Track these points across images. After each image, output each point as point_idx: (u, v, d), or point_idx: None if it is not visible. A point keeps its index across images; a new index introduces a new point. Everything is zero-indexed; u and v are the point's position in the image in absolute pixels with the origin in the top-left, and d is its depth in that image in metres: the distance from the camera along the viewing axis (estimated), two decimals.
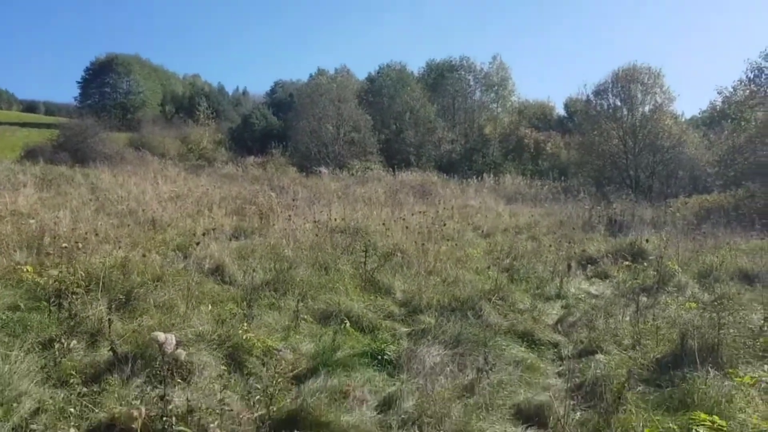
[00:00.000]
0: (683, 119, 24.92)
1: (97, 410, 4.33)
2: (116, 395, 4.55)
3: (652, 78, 23.13)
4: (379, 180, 24.82)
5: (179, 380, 4.87)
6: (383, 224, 12.03)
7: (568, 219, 15.53)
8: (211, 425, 2.36)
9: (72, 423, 4.15)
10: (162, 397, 3.05)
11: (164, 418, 3.06)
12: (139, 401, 4.19)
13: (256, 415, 4.23)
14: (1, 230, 9.05)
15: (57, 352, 5.08)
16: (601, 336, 6.79)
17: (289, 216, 12.05)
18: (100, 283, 6.73)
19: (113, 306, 6.03)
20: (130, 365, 4.96)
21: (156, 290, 6.99)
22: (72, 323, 5.69)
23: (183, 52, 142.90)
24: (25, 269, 7.04)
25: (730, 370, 5.40)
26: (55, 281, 6.43)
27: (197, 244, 9.19)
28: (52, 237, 8.85)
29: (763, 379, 5.34)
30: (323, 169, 26.93)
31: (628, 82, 22.82)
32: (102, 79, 52.79)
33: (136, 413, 2.28)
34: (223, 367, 5.32)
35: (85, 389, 4.62)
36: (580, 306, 8.37)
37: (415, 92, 36.94)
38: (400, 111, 36.47)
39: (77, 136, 29.14)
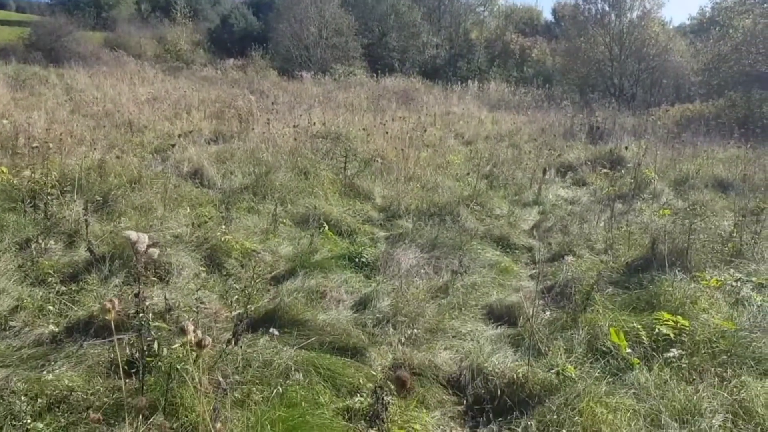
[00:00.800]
0: (671, 26, 24.49)
1: (75, 308, 4.39)
2: (95, 294, 4.61)
3: None
4: (361, 85, 24.33)
5: (157, 280, 4.93)
6: (364, 130, 11.91)
7: (550, 127, 15.48)
8: (186, 322, 2.40)
9: (51, 320, 4.22)
10: (137, 295, 3.08)
11: (140, 315, 3.11)
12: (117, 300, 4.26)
13: (234, 314, 4.31)
14: None
15: (34, 252, 5.09)
16: (575, 241, 6.93)
17: (268, 120, 11.87)
18: (76, 185, 6.67)
19: (90, 208, 6.01)
20: (108, 265, 5.00)
21: (133, 192, 6.96)
22: (48, 224, 5.68)
23: None
24: None
25: (698, 274, 5.56)
26: (29, 182, 6.36)
27: (173, 146, 9.07)
28: (26, 138, 8.68)
29: (728, 282, 5.52)
30: (305, 74, 26.26)
31: None
32: None
33: (109, 305, 2.31)
34: (201, 268, 5.39)
35: (63, 288, 4.67)
36: (557, 212, 8.50)
37: None
38: (384, 14, 35.29)
39: (50, 35, 27.96)
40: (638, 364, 4.02)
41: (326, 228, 6.80)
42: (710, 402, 3.62)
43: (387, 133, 11.57)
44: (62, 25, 28.87)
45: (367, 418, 3.28)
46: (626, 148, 11.66)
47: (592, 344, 4.30)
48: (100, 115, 12.26)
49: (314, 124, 12.00)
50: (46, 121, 10.19)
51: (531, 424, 3.37)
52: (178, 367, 3.14)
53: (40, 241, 5.29)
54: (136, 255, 2.92)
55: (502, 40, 35.11)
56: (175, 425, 3.13)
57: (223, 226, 6.06)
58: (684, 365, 4.05)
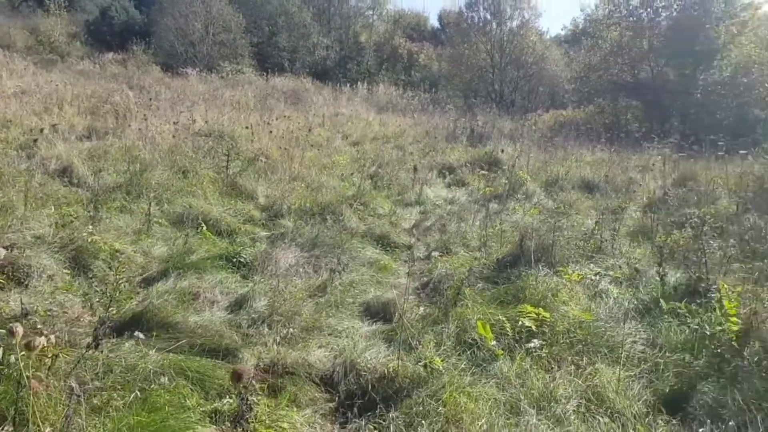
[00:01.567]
0: (548, 36, 25.94)
1: None
2: None
3: None
4: (250, 84, 23.88)
5: (14, 284, 4.62)
6: (248, 128, 11.72)
7: (435, 129, 15.92)
8: (14, 324, 2.26)
9: None
10: None
11: None
12: None
13: (97, 318, 4.11)
14: None
15: None
16: (452, 239, 7.18)
17: (145, 116, 11.40)
18: None
19: None
20: None
21: None
22: None
23: None
24: None
25: (561, 269, 5.92)
26: None
27: (35, 141, 8.51)
28: None
29: (588, 276, 5.92)
30: (190, 70, 25.41)
31: None
32: None
33: None
34: (65, 271, 5.09)
35: None
36: (437, 211, 8.76)
37: None
38: (273, 13, 34.82)
39: None
40: (502, 355, 4.22)
41: (204, 228, 6.63)
42: (566, 389, 3.86)
43: (272, 132, 11.44)
44: None
45: (233, 419, 3.24)
46: (502, 151, 12.20)
47: (461, 337, 4.47)
48: None
49: (195, 121, 11.66)
50: None
51: (398, 417, 3.45)
52: (27, 374, 2.95)
53: None
54: None
55: (390, 44, 35.66)
56: None
57: (91, 226, 5.76)
58: (544, 355, 4.31)
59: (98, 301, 4.37)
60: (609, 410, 3.78)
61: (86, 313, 4.27)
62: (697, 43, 17.24)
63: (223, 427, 3.26)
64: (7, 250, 3.78)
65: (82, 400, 2.97)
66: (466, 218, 8.12)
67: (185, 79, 22.96)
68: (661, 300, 5.24)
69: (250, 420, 3.18)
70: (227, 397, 3.57)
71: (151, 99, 14.36)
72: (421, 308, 5.09)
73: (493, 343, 4.31)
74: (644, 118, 18.17)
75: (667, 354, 4.44)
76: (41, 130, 9.25)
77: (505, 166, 11.21)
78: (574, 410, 3.70)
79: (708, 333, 4.44)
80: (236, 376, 3.51)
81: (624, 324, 4.75)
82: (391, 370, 3.89)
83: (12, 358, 3.11)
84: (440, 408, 3.44)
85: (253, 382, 3.49)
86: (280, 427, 3.36)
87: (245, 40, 31.15)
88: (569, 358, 4.31)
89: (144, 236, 6.21)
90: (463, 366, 4.00)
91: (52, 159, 8.30)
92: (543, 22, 67.75)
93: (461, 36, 23.94)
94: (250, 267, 5.84)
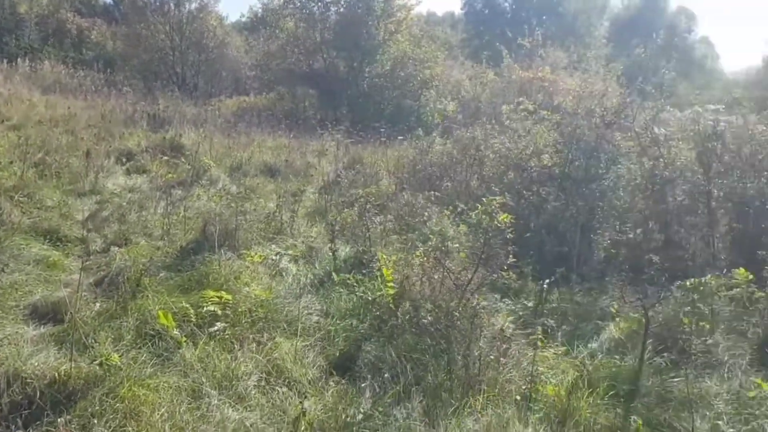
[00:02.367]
0: (228, 22, 25.95)
1: None
2: None
3: None
4: None
5: None
6: None
7: (111, 113, 14.83)
8: None
9: None
10: None
11: None
12: None
13: None
14: None
15: None
16: (132, 228, 6.89)
17: None
18: None
19: None
20: None
21: None
22: None
23: None
24: None
25: (244, 251, 6.13)
26: None
27: None
28: None
29: (270, 256, 6.23)
30: None
31: None
32: None
33: None
34: None
35: None
36: (115, 201, 8.25)
37: None
38: None
39: None
40: (185, 342, 4.25)
41: None
42: (247, 366, 4.06)
43: None
44: None
45: None
46: (183, 136, 11.99)
47: (141, 330, 4.38)
48: None
49: None
50: None
51: (71, 421, 3.27)
52: None
53: None
54: None
55: (56, 17, 31.90)
56: None
57: None
58: (227, 336, 4.45)
59: None
60: (287, 380, 4.09)
61: None
62: (362, 38, 18.96)
63: None
64: None
65: None
66: (148, 207, 7.84)
67: None
68: (333, 273, 5.79)
69: None
70: None
71: None
72: (98, 304, 4.83)
73: (176, 331, 4.31)
74: (320, 105, 19.45)
75: (337, 321, 4.95)
76: None
77: (188, 152, 11.01)
78: (255, 385, 3.91)
79: (370, 299, 5.06)
80: None
81: (301, 298, 5.15)
82: (62, 373, 3.64)
83: None
84: (117, 404, 3.34)
85: None
86: None
87: None
88: (251, 336, 4.52)
89: None
90: (143, 359, 3.93)
91: None
92: (223, 7, 67.74)
93: (137, 14, 22.61)
94: None
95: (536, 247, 7.05)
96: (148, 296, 4.83)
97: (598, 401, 4.09)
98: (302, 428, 3.48)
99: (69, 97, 17.55)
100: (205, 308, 4.68)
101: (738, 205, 6.88)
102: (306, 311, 5.01)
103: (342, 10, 19.62)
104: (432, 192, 7.93)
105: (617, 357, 4.87)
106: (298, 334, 4.63)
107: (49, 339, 4.29)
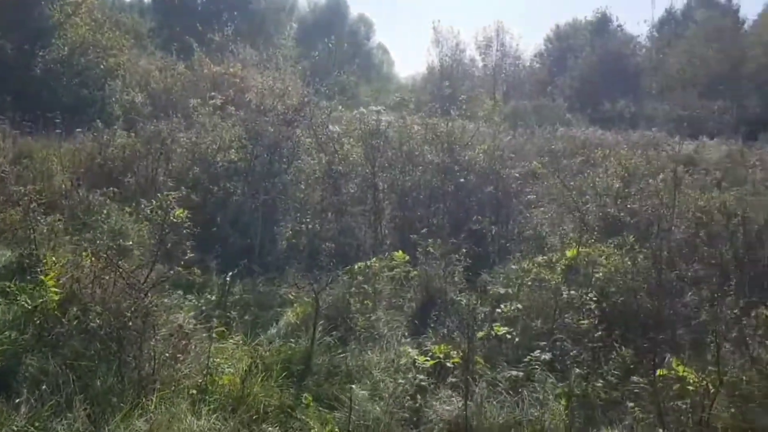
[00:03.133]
0: None
1: None
2: None
3: None
4: None
5: None
6: None
7: None
8: None
9: None
10: None
11: None
12: None
13: None
14: None
15: None
16: None
17: None
18: None
19: None
20: None
21: None
22: None
23: None
24: None
25: None
26: None
27: None
28: None
29: None
30: None
31: None
32: None
33: None
34: None
35: None
36: None
37: None
38: None
39: None
40: None
41: None
42: None
43: None
44: None
45: None
46: None
47: None
48: None
49: None
50: None
51: None
52: None
53: None
54: None
55: None
56: None
57: None
58: None
59: None
60: None
61: None
62: (33, 18, 16.87)
63: None
64: None
65: None
66: None
67: None
68: None
69: None
70: None
71: None
72: None
73: None
74: None
75: None
76: None
77: None
78: None
79: (31, 307, 4.60)
80: None
81: None
82: None
83: None
84: None
85: None
86: None
87: None
88: None
89: None
90: None
91: None
92: None
93: None
94: None
95: (222, 241, 7.14)
96: None
97: (272, 384, 4.33)
98: None
99: None
100: None
101: (399, 195, 7.81)
102: None
103: None
104: (112, 188, 7.50)
105: (293, 340, 5.20)
106: None
107: None
